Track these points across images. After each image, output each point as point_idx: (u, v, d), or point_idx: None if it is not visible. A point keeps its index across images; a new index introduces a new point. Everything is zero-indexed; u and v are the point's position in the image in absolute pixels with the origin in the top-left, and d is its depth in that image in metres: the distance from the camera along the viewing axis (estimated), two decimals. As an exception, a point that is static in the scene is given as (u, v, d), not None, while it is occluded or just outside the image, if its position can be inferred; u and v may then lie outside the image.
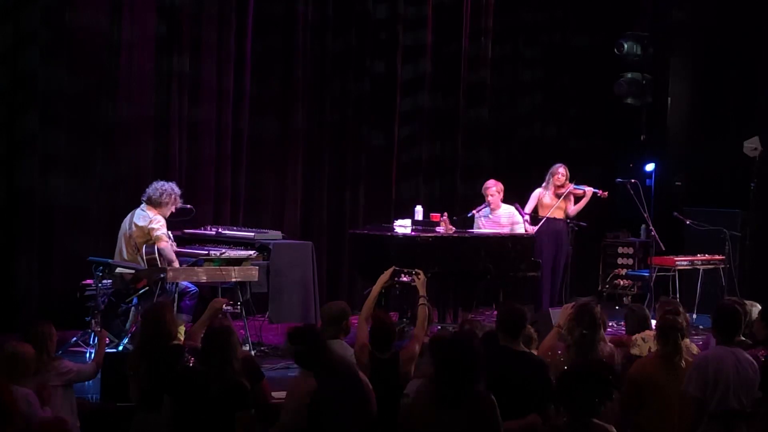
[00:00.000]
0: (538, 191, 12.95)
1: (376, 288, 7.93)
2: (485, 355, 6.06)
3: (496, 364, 6.57)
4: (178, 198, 10.66)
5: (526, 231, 12.40)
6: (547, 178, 12.90)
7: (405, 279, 8.84)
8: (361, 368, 7.07)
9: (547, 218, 12.69)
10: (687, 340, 7.78)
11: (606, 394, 5.60)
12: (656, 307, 9.00)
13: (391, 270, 8.10)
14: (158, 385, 6.70)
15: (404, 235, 11.63)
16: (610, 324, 12.15)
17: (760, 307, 8.75)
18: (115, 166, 11.97)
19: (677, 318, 7.55)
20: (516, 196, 12.97)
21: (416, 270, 8.03)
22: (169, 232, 10.60)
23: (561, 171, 12.82)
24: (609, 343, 7.72)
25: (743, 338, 7.64)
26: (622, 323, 11.97)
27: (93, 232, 11.68)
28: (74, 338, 10.15)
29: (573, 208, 12.86)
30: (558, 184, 12.79)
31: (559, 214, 12.82)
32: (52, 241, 11.50)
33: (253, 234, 11.20)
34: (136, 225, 10.46)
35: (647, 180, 14.71)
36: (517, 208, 12.48)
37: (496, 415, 5.94)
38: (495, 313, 10.93)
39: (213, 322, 7.40)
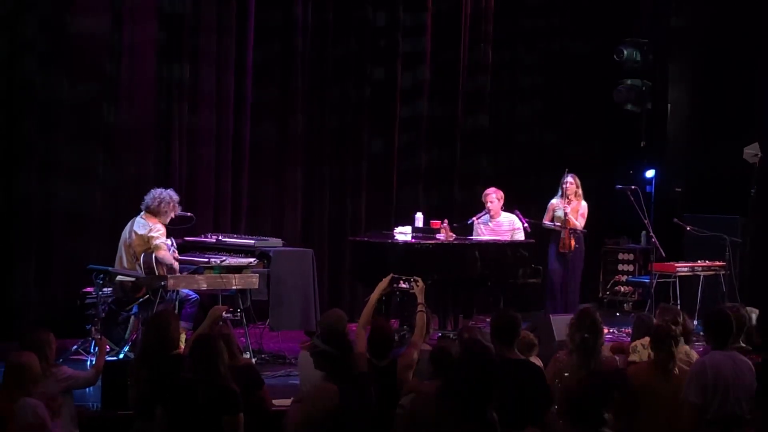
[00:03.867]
0: (553, 201, 12.95)
1: (375, 295, 7.92)
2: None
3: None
4: (176, 205, 10.66)
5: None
6: (558, 189, 12.91)
7: (403, 286, 8.84)
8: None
9: (555, 229, 12.76)
10: (687, 347, 7.79)
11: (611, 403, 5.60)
12: (656, 313, 9.00)
13: (389, 277, 8.09)
14: (155, 394, 6.70)
15: (404, 242, 11.64)
16: (611, 330, 12.24)
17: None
18: (116, 172, 11.98)
19: (671, 325, 7.56)
20: (516, 203, 12.97)
21: (414, 277, 8.02)
22: (172, 239, 10.60)
23: (569, 180, 12.81)
24: (609, 351, 7.74)
25: (742, 344, 7.64)
26: (623, 330, 12.05)
27: (94, 239, 11.68)
28: (75, 346, 10.15)
29: (579, 223, 12.84)
30: (568, 193, 12.76)
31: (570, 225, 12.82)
32: (52, 248, 11.52)
33: (253, 241, 11.20)
34: (135, 233, 10.46)
35: (647, 186, 14.73)
36: (518, 215, 12.47)
37: None
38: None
39: (212, 329, 7.39)
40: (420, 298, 7.80)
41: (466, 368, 5.94)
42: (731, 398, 6.81)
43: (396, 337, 9.39)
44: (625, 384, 6.68)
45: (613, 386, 5.71)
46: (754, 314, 8.79)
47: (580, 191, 12.86)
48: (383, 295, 8.34)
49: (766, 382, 6.67)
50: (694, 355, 7.92)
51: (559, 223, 12.77)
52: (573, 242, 12.72)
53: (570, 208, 12.71)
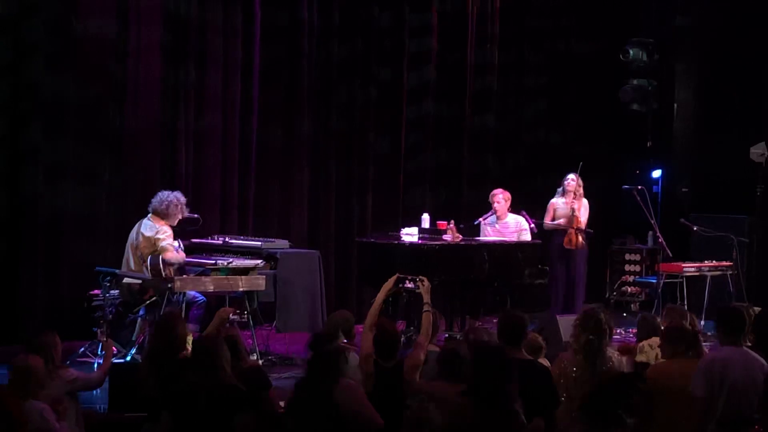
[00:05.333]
0: (553, 200, 12.97)
1: (380, 296, 7.91)
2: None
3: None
4: (183, 207, 10.66)
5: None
6: (560, 188, 12.94)
7: (409, 286, 8.82)
8: (365, 377, 7.06)
9: (557, 230, 12.77)
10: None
11: (631, 406, 5.58)
12: (663, 314, 8.98)
13: (395, 277, 8.08)
14: (162, 396, 6.70)
15: (411, 243, 11.63)
16: (618, 331, 12.21)
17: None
18: (123, 174, 12.00)
19: (685, 323, 7.55)
20: (522, 203, 12.97)
21: (420, 277, 7.99)
22: (179, 241, 10.61)
23: (571, 177, 12.85)
24: (616, 351, 7.72)
25: (749, 344, 7.62)
26: (630, 330, 12.03)
27: (101, 241, 11.71)
28: (82, 348, 10.18)
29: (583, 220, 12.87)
30: (569, 190, 12.80)
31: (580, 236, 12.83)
32: (59, 251, 11.52)
33: (260, 243, 11.20)
34: (143, 235, 10.47)
35: (654, 186, 14.69)
36: (524, 216, 12.47)
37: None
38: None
39: (219, 331, 7.40)
40: (426, 298, 7.77)
41: (486, 367, 5.95)
42: (739, 395, 6.79)
43: (403, 338, 9.41)
44: (641, 385, 6.65)
45: (631, 387, 5.67)
46: (760, 314, 8.75)
47: (581, 190, 12.87)
48: (389, 295, 8.32)
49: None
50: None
51: (564, 220, 12.78)
52: (580, 239, 12.74)
53: (577, 205, 12.74)
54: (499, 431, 5.78)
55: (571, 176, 12.88)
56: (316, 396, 6.28)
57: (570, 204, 12.78)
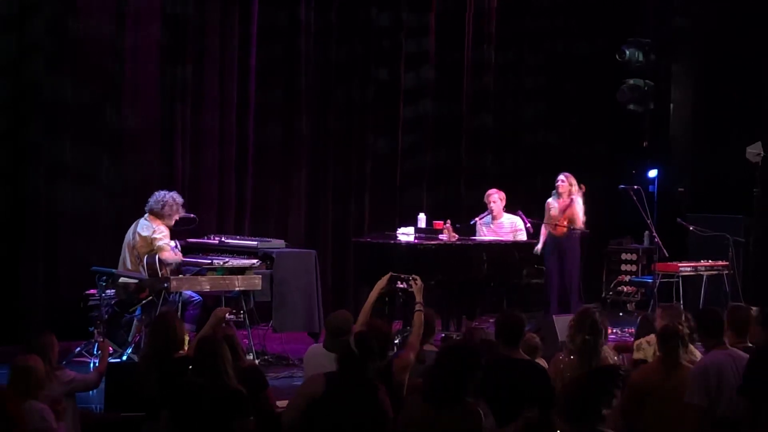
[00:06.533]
0: (549, 200, 13.00)
1: (373, 294, 7.89)
2: (483, 367, 6.03)
3: (496, 373, 6.57)
4: (180, 207, 10.68)
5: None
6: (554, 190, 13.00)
7: (402, 286, 8.80)
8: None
9: (550, 231, 12.80)
10: (691, 346, 7.80)
11: (609, 398, 5.61)
12: (657, 314, 9.00)
13: (387, 276, 8.07)
14: (162, 396, 6.71)
15: (407, 243, 11.63)
16: (615, 330, 12.23)
17: (763, 313, 8.73)
18: (121, 174, 12.01)
19: (678, 324, 7.56)
20: (520, 203, 12.99)
21: (413, 276, 7.95)
22: (176, 241, 10.62)
23: (560, 178, 12.87)
24: (612, 350, 7.73)
25: (750, 345, 7.64)
26: (627, 330, 12.06)
27: (99, 241, 11.72)
28: (78, 348, 10.19)
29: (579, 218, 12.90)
30: (561, 191, 12.82)
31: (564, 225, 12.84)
32: (57, 251, 11.54)
33: (256, 243, 11.20)
34: (139, 235, 10.49)
35: (650, 186, 14.70)
36: (520, 216, 12.49)
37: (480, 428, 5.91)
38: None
39: (215, 331, 7.40)
40: (418, 298, 7.71)
41: (442, 358, 5.98)
42: (735, 397, 6.81)
43: (399, 338, 9.43)
44: (621, 377, 6.68)
45: (609, 382, 5.70)
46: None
47: (574, 189, 12.85)
48: (384, 294, 8.30)
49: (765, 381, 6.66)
50: (698, 355, 7.92)
51: (549, 222, 12.82)
52: (565, 224, 12.74)
53: (560, 205, 12.78)
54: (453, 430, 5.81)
55: (561, 177, 12.90)
56: (365, 397, 6.26)
57: (563, 204, 12.80)
